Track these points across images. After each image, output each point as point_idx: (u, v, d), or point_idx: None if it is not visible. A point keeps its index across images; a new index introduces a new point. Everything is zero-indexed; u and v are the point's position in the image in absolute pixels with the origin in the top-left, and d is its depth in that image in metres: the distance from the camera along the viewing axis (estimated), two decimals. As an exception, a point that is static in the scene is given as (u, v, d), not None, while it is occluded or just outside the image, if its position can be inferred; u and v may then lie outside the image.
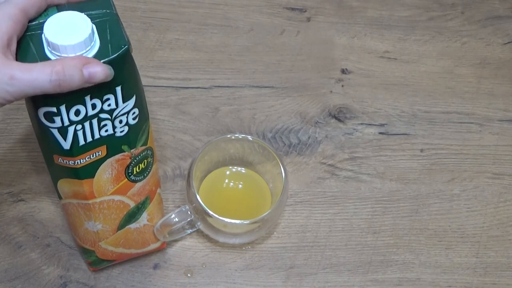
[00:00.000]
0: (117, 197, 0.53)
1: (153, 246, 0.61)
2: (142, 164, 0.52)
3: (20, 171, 0.66)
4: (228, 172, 0.66)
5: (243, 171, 0.66)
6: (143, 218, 0.57)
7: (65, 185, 0.50)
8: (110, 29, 0.44)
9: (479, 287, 0.64)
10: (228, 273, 0.63)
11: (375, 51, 0.79)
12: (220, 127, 0.71)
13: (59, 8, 0.45)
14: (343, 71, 0.77)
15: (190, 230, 0.63)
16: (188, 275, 0.62)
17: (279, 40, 0.78)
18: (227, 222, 0.58)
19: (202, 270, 0.63)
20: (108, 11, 0.45)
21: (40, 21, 0.43)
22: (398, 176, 0.70)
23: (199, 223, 0.61)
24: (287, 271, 0.63)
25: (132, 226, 0.57)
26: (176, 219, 0.59)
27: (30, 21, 0.43)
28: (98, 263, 0.60)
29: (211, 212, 0.58)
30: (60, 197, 0.52)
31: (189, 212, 0.60)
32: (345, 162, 0.70)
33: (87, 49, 0.42)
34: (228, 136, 0.63)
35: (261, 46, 0.78)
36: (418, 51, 0.79)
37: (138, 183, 0.53)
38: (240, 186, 0.65)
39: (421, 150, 0.72)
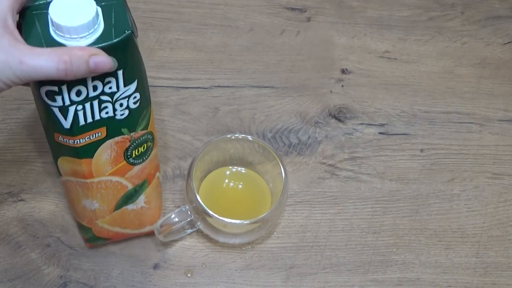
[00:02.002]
0: (115, 178, 0.53)
1: (150, 228, 0.62)
2: (142, 147, 0.52)
3: (20, 171, 0.66)
4: (228, 172, 0.66)
5: (243, 171, 0.66)
6: (141, 201, 0.57)
7: (65, 163, 0.51)
8: (115, 13, 0.44)
9: (479, 287, 0.64)
10: (228, 273, 0.63)
11: (375, 51, 0.79)
12: (220, 127, 0.71)
13: None
14: (343, 71, 0.77)
15: (190, 230, 0.63)
16: (188, 275, 0.62)
17: (279, 40, 0.78)
18: (227, 222, 0.58)
19: (202, 270, 0.63)
20: None
21: (48, 0, 0.44)
22: (398, 176, 0.70)
23: (199, 223, 0.61)
24: (287, 271, 0.63)
25: (129, 207, 0.57)
26: (176, 219, 0.59)
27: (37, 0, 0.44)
28: (94, 240, 0.61)
29: (211, 212, 0.58)
30: (59, 174, 0.53)
31: (189, 212, 0.60)
32: (345, 162, 0.70)
33: (90, 31, 0.42)
34: (228, 136, 0.63)
35: (261, 46, 0.78)
36: (418, 51, 0.79)
37: (137, 166, 0.53)
38: (240, 186, 0.65)
39: (421, 150, 0.72)
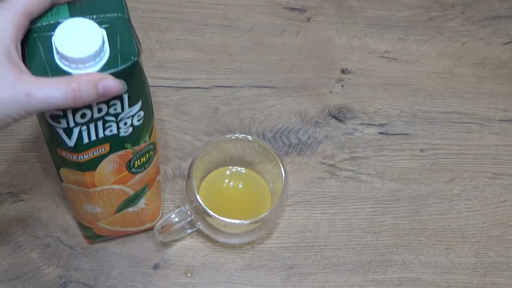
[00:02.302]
0: (117, 186, 0.54)
1: (149, 225, 0.62)
2: (144, 157, 0.52)
3: (20, 171, 0.66)
4: (228, 172, 0.66)
5: (243, 171, 0.66)
6: (141, 203, 0.58)
7: (67, 173, 0.51)
8: (120, 36, 0.43)
9: (479, 287, 0.64)
10: (228, 273, 0.63)
11: (375, 51, 0.79)
12: (220, 127, 0.71)
13: (70, 6, 0.44)
14: (343, 71, 0.77)
15: (190, 230, 0.63)
16: (188, 275, 0.62)
17: (279, 40, 0.78)
18: (227, 222, 0.58)
19: (202, 270, 0.63)
20: (120, 14, 0.44)
21: (50, 22, 0.43)
22: (398, 176, 0.70)
23: (199, 223, 0.61)
24: (287, 271, 0.63)
25: (130, 209, 0.58)
26: (176, 219, 0.59)
27: (39, 20, 0.43)
28: (94, 237, 0.62)
29: (211, 212, 0.58)
30: (61, 181, 0.53)
31: (189, 212, 0.60)
32: (345, 162, 0.70)
33: (97, 60, 0.42)
34: (228, 136, 0.63)
35: (261, 46, 0.78)
36: (418, 51, 0.79)
37: (138, 174, 0.54)
38: (240, 186, 0.65)
39: (421, 150, 0.72)
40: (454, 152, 0.72)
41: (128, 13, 0.45)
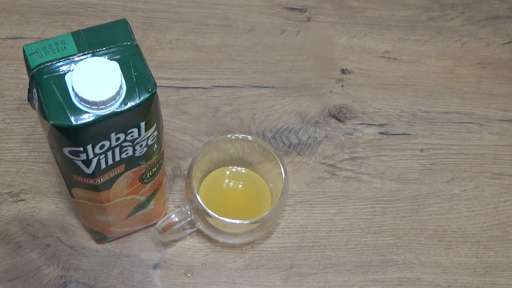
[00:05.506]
0: (130, 197, 0.55)
1: (156, 220, 0.63)
2: (155, 167, 0.53)
3: (20, 171, 0.66)
4: (228, 172, 0.66)
5: (243, 171, 0.66)
6: (151, 205, 0.59)
7: (80, 192, 0.52)
8: (134, 68, 0.43)
9: (479, 287, 0.64)
10: (228, 273, 0.63)
11: (375, 51, 0.79)
12: (220, 127, 0.71)
13: (74, 36, 0.43)
14: (343, 71, 0.77)
15: (190, 230, 0.63)
16: (188, 275, 0.62)
17: (279, 40, 0.78)
18: (227, 222, 0.58)
19: (202, 270, 0.63)
20: (129, 43, 0.44)
21: (55, 58, 0.43)
22: (398, 176, 0.70)
23: (199, 223, 0.61)
24: (287, 271, 0.63)
25: (141, 212, 0.59)
26: (176, 219, 0.59)
27: (47, 56, 0.42)
28: (104, 239, 0.62)
29: (211, 212, 0.58)
30: (72, 197, 0.53)
31: (189, 212, 0.60)
32: (345, 162, 0.70)
33: (117, 98, 0.42)
34: (228, 136, 0.63)
35: (261, 46, 0.78)
36: (418, 51, 0.79)
37: (150, 183, 0.54)
38: (240, 186, 0.65)
39: (421, 150, 0.72)
40: (454, 152, 0.72)
41: (135, 39, 0.45)
